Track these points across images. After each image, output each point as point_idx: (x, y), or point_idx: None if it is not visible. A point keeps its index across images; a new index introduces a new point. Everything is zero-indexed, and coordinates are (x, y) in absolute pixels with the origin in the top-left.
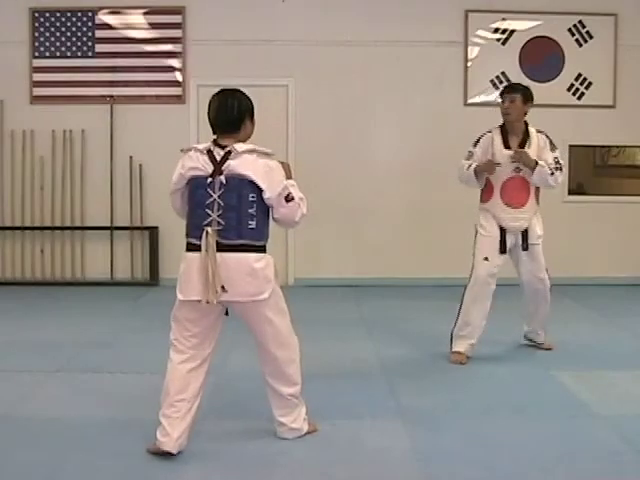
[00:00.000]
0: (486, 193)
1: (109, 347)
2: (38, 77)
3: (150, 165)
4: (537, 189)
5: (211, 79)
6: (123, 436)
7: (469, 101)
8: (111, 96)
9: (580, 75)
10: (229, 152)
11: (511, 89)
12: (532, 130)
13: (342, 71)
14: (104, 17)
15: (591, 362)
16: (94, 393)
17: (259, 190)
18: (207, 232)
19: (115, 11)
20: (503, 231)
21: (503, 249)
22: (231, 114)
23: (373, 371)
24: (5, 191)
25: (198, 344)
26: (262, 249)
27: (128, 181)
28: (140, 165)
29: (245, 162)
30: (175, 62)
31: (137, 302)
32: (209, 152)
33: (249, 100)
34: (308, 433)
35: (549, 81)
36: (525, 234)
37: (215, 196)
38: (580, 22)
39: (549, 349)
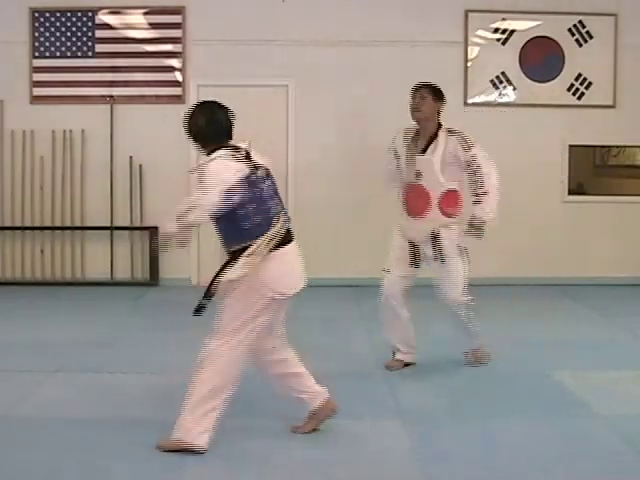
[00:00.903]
0: (402, 202)
1: (109, 347)
2: (38, 77)
3: (150, 165)
4: (447, 200)
5: (211, 79)
6: (123, 436)
7: (469, 101)
8: (111, 96)
9: (580, 75)
10: (247, 151)
11: (421, 85)
12: (442, 133)
13: (342, 71)
14: (104, 17)
15: (591, 362)
16: (94, 393)
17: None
18: (284, 220)
19: (115, 11)
20: (413, 245)
21: (413, 261)
22: (227, 122)
23: (373, 371)
24: (5, 191)
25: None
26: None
27: (128, 181)
28: (140, 165)
29: (258, 158)
30: (175, 62)
31: (137, 302)
32: (233, 156)
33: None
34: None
35: (549, 81)
36: (436, 243)
37: (266, 188)
38: (580, 22)
39: (481, 362)
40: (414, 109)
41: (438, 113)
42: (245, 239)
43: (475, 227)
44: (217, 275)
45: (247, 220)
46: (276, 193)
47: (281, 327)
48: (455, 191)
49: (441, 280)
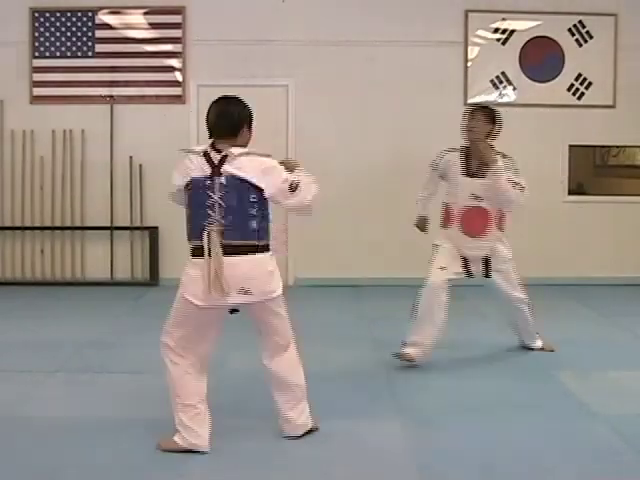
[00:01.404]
0: (446, 219)
1: (109, 347)
2: (38, 77)
3: (150, 165)
4: (501, 216)
5: (211, 79)
6: (123, 436)
7: (469, 101)
8: (111, 96)
9: (580, 75)
10: (225, 155)
11: (476, 108)
12: (497, 157)
13: (342, 71)
14: (104, 17)
15: (591, 362)
16: (94, 393)
17: (259, 190)
18: (209, 232)
19: (115, 11)
20: (465, 260)
21: (468, 273)
22: (230, 120)
23: (373, 371)
24: (5, 191)
25: (203, 345)
26: (267, 248)
27: (128, 181)
28: (140, 165)
29: (242, 164)
30: (175, 62)
31: (137, 302)
32: (205, 154)
33: (248, 108)
34: (311, 431)
35: (549, 81)
36: (487, 262)
37: (216, 197)
38: (580, 22)
39: (551, 351)
40: (468, 130)
41: (489, 135)
42: (189, 238)
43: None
44: None
45: (187, 222)
46: (232, 207)
47: (270, 341)
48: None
49: (498, 285)
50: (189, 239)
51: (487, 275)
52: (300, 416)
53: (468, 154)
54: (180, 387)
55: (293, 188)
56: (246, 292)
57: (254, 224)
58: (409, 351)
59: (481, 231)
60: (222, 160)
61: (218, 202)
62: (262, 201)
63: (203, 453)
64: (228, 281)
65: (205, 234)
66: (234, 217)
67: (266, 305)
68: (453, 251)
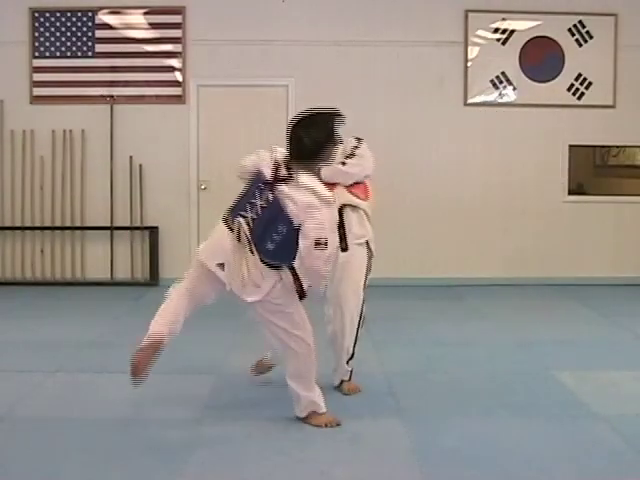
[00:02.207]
0: None
1: (109, 347)
2: (38, 77)
3: (150, 165)
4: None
5: (211, 79)
6: (123, 436)
7: (469, 101)
8: (111, 96)
9: (580, 75)
10: (290, 176)
11: None
12: None
13: (342, 71)
14: (104, 17)
15: (591, 362)
16: (94, 393)
17: (291, 224)
18: (239, 223)
19: (115, 11)
20: None
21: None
22: (304, 146)
23: (373, 371)
24: (5, 191)
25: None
26: (275, 267)
27: (128, 181)
28: (140, 165)
29: (294, 195)
30: (175, 62)
31: (137, 302)
32: (276, 165)
33: (330, 128)
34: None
35: (549, 81)
36: None
37: (258, 203)
38: (580, 22)
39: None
40: None
41: None
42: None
43: None
44: None
45: (236, 200)
46: (262, 223)
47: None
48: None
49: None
50: (231, 212)
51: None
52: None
53: None
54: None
55: (320, 244)
56: (222, 268)
57: (270, 246)
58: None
59: None
60: (284, 180)
61: (257, 206)
62: (291, 232)
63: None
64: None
65: (237, 222)
66: (259, 228)
67: (257, 304)
68: None
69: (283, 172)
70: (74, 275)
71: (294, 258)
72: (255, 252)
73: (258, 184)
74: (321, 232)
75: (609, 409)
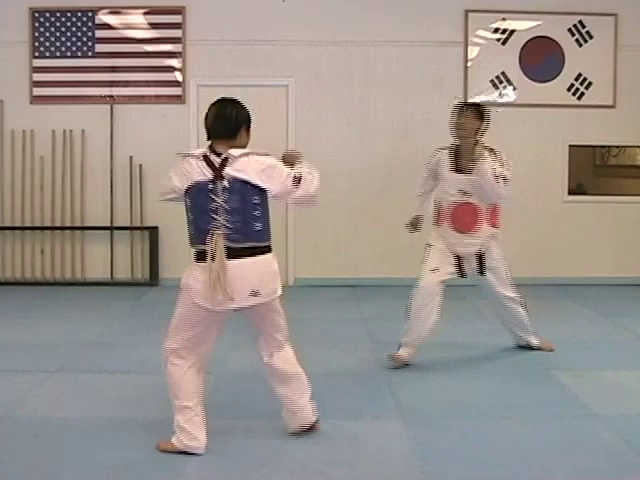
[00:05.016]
0: (437, 217)
1: (109, 347)
2: (38, 77)
3: (150, 165)
4: (493, 212)
5: (211, 79)
6: (123, 436)
7: (469, 101)
8: (111, 96)
9: (580, 75)
10: (226, 158)
11: (465, 105)
12: (484, 151)
13: (342, 71)
14: (104, 17)
15: (591, 362)
16: (94, 393)
17: (262, 191)
18: (214, 236)
19: (115, 11)
20: (458, 258)
21: (460, 273)
22: (228, 121)
23: (373, 371)
24: (5, 191)
25: (206, 345)
26: (270, 248)
27: (128, 181)
28: (140, 165)
29: (243, 166)
30: (175, 62)
31: (137, 302)
32: (205, 157)
33: (246, 110)
34: (315, 424)
35: (549, 81)
36: (480, 259)
37: (219, 200)
38: (580, 22)
39: (550, 350)
40: (457, 127)
41: (477, 131)
42: (192, 243)
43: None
44: None
45: (189, 226)
46: (236, 210)
47: (268, 340)
48: (496, 203)
49: (489, 284)
50: (192, 243)
51: (482, 272)
52: (307, 404)
53: (458, 151)
54: (179, 389)
55: (296, 182)
56: (256, 294)
57: (258, 225)
58: (402, 353)
59: (471, 227)
60: (223, 163)
61: (222, 205)
62: (265, 201)
63: (198, 455)
64: (239, 284)
65: (209, 237)
66: (238, 220)
67: (271, 304)
68: (445, 250)
69: (216, 159)
70: (74, 275)
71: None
72: (242, 244)
73: (205, 190)
74: (289, 173)
75: (609, 409)
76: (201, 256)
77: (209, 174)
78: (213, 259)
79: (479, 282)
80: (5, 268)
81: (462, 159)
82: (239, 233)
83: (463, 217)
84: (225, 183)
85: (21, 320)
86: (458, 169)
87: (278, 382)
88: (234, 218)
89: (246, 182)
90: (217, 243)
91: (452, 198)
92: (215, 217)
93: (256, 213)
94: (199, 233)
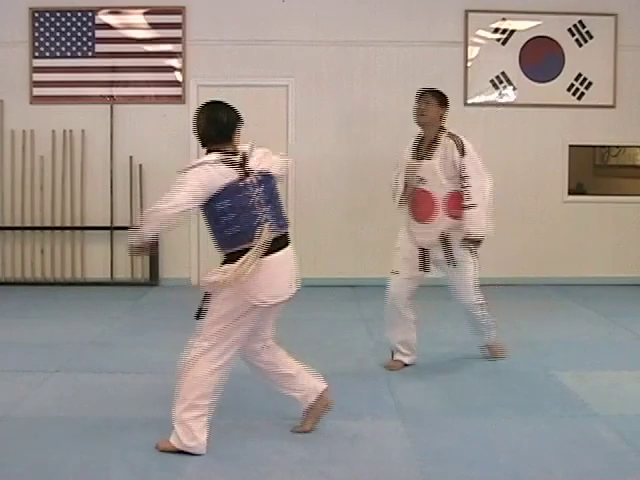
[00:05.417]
0: (404, 206)
1: (109, 347)
2: (38, 77)
3: (150, 165)
4: (451, 202)
5: (211, 79)
6: (123, 436)
7: (469, 101)
8: (111, 96)
9: (580, 75)
10: (244, 156)
11: (426, 91)
12: (442, 136)
13: (342, 71)
14: (104, 17)
15: (591, 362)
16: (94, 393)
17: (275, 179)
18: (262, 229)
19: (115, 11)
20: (423, 250)
21: (423, 266)
22: (226, 125)
23: (373, 371)
24: (5, 191)
25: (239, 346)
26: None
27: (128, 181)
28: (140, 165)
29: (258, 158)
30: (175, 62)
31: (137, 302)
32: (222, 161)
33: (236, 111)
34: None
35: (549, 81)
36: (448, 248)
37: (255, 195)
38: (580, 22)
39: (502, 357)
40: (418, 113)
41: (441, 118)
42: (230, 246)
43: (470, 241)
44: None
45: (229, 228)
46: (270, 200)
47: (271, 329)
48: (458, 192)
49: (453, 282)
50: (236, 245)
51: (449, 264)
52: (310, 378)
53: (421, 140)
54: (199, 386)
55: (285, 165)
56: (293, 284)
57: (284, 211)
58: (397, 359)
59: (427, 216)
60: (244, 160)
61: (258, 200)
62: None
63: (198, 455)
64: (288, 275)
65: (258, 232)
66: (273, 210)
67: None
68: (410, 246)
69: (234, 158)
70: (74, 275)
71: None
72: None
73: (237, 189)
74: (278, 157)
75: (609, 409)
76: (239, 255)
77: (235, 174)
78: (266, 253)
79: (447, 280)
80: (5, 268)
81: (423, 146)
82: (278, 222)
83: (420, 205)
84: (253, 178)
85: (21, 320)
86: (419, 156)
87: (282, 367)
88: (271, 209)
89: (268, 173)
90: (266, 236)
91: (413, 185)
92: (258, 212)
93: (280, 200)
94: (246, 230)
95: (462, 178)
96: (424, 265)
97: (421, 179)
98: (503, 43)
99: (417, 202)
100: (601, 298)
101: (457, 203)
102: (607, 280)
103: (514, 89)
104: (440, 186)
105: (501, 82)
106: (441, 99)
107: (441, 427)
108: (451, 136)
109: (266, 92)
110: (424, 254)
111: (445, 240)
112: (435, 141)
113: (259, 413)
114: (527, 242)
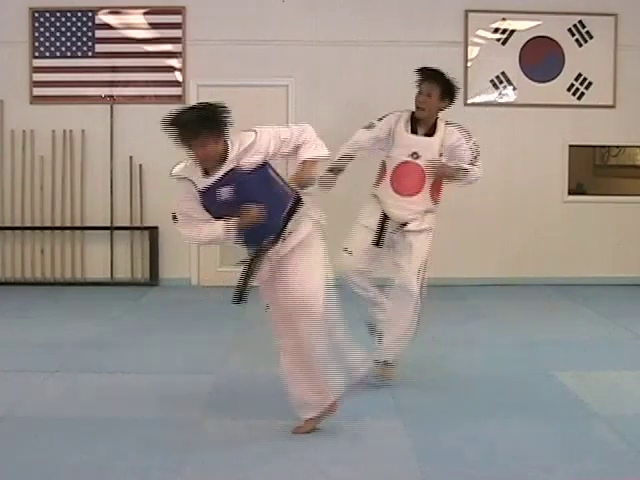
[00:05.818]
0: (379, 176)
1: (109, 347)
2: (38, 77)
3: (150, 165)
4: (435, 185)
5: (211, 79)
6: (123, 436)
7: (469, 101)
8: (111, 96)
9: (580, 75)
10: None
11: (432, 78)
12: (440, 123)
13: (342, 71)
14: (104, 17)
15: (591, 362)
16: (94, 393)
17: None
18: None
19: (115, 11)
20: (384, 220)
21: (377, 241)
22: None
23: (373, 371)
24: (5, 191)
25: None
26: None
27: (128, 181)
28: (140, 165)
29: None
30: (175, 62)
31: (137, 302)
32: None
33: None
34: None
35: (549, 81)
36: (410, 226)
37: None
38: (580, 22)
39: (389, 379)
40: (418, 105)
41: (440, 110)
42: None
43: (444, 172)
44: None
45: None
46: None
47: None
48: (442, 180)
49: (400, 259)
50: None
51: (410, 244)
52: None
53: (413, 116)
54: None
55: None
56: None
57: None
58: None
59: (411, 190)
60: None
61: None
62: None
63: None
64: None
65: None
66: (268, 202)
67: None
68: (369, 220)
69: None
70: (74, 275)
71: None
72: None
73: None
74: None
75: (609, 409)
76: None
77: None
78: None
79: (393, 261)
80: (5, 268)
81: (422, 126)
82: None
83: (406, 178)
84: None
85: (21, 320)
86: (414, 131)
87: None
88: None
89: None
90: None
91: (400, 157)
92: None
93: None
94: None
95: (471, 158)
96: (378, 239)
97: (415, 154)
98: (503, 43)
99: (403, 174)
100: (601, 298)
101: (439, 188)
102: (607, 280)
103: (514, 89)
104: (432, 168)
105: (501, 82)
106: (444, 88)
107: (441, 427)
108: (449, 123)
109: (266, 92)
110: (382, 226)
111: (415, 219)
112: (434, 125)
113: (259, 413)
114: (527, 242)
